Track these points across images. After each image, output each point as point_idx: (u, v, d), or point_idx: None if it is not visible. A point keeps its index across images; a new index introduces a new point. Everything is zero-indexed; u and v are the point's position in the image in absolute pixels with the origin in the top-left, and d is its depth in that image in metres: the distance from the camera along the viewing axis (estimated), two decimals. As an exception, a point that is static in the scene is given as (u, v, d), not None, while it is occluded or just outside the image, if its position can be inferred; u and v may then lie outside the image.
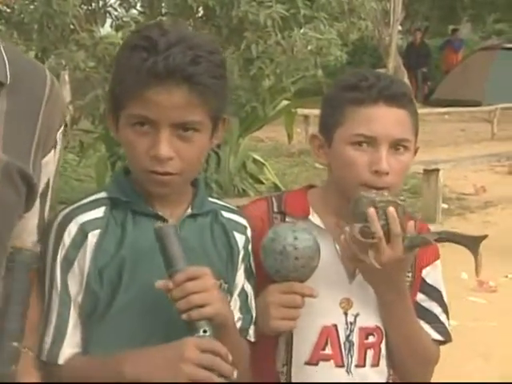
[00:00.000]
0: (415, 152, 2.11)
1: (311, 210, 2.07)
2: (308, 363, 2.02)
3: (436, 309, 2.12)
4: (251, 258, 1.99)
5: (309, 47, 8.12)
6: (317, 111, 9.57)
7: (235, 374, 1.71)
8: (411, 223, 1.92)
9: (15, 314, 1.55)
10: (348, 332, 2.03)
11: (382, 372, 2.08)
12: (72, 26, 8.07)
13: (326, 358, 2.03)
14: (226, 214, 1.97)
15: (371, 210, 1.85)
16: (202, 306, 1.69)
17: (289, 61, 7.91)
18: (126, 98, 1.77)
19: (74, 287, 1.80)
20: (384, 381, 2.09)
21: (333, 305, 2.03)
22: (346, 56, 8.97)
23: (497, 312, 6.31)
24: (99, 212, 1.83)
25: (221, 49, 1.94)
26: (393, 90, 2.00)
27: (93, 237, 1.80)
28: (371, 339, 2.06)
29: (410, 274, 2.06)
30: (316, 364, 2.02)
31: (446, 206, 10.24)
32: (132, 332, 1.81)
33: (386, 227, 1.85)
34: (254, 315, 1.97)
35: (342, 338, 2.03)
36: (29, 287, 1.62)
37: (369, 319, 2.05)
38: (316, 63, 8.29)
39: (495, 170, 13.34)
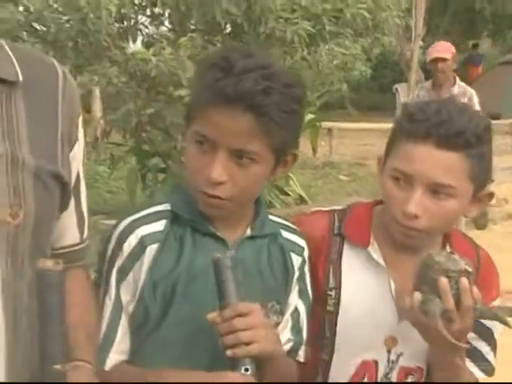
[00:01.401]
0: (490, 197, 1.97)
1: (372, 238, 1.97)
2: None
3: (484, 348, 2.00)
4: (307, 278, 1.93)
5: (334, 62, 8.22)
6: (340, 124, 9.80)
7: None
8: (477, 293, 1.75)
9: (54, 335, 1.49)
10: (388, 370, 1.97)
11: None
12: (105, 44, 8.17)
13: None
14: (285, 234, 1.91)
15: (444, 282, 1.72)
16: (247, 344, 1.64)
17: (314, 75, 8.01)
18: (194, 113, 1.74)
19: (126, 296, 1.78)
20: None
21: (377, 341, 1.96)
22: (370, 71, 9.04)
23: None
24: (160, 225, 1.80)
25: (303, 83, 1.84)
26: (446, 130, 1.79)
27: (151, 250, 1.77)
28: (410, 378, 2.00)
29: None
30: None
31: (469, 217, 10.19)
32: (180, 350, 1.77)
33: (456, 296, 1.72)
34: (305, 336, 1.92)
35: (381, 375, 1.97)
36: (62, 306, 1.54)
37: (412, 360, 1.97)
38: (341, 78, 8.40)
39: (516, 182, 13.24)
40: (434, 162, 1.80)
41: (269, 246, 1.87)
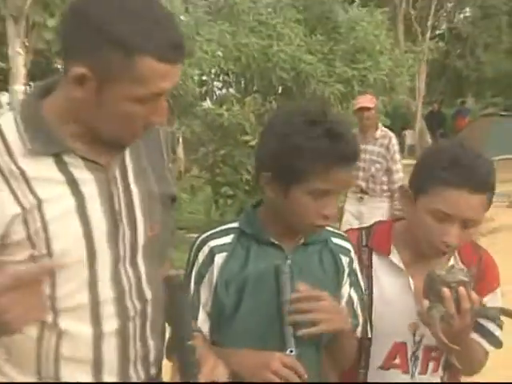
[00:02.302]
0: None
1: (392, 247, 1.93)
2: (381, 368, 1.94)
3: (491, 326, 1.93)
4: (357, 273, 1.87)
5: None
6: None
7: None
8: (476, 297, 1.73)
9: (186, 321, 1.52)
10: (415, 349, 1.93)
11: (438, 374, 1.98)
12: (189, 103, 8.30)
13: (395, 366, 1.94)
14: (334, 240, 1.84)
15: (447, 292, 1.69)
16: (315, 324, 1.65)
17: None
18: (307, 173, 1.63)
19: (204, 294, 1.76)
20: (439, 380, 1.98)
21: (403, 327, 1.91)
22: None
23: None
24: (228, 238, 1.77)
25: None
26: (478, 179, 1.76)
27: (219, 258, 1.74)
28: (434, 354, 1.95)
29: None
30: (387, 369, 1.94)
31: (462, 231, 10.09)
32: (250, 336, 1.74)
33: (456, 302, 1.70)
34: (361, 318, 1.87)
35: (410, 353, 1.93)
36: (187, 298, 1.60)
37: (433, 340, 1.86)
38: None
39: (497, 205, 13.02)
40: (469, 204, 1.76)
41: (320, 251, 1.81)
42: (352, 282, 1.85)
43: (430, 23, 20.66)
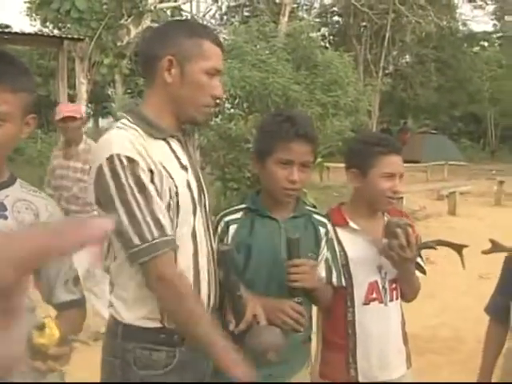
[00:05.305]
0: None
1: (348, 219, 1.94)
2: (364, 304, 1.92)
3: (418, 259, 1.99)
4: (334, 240, 1.89)
5: (333, 130, 8.10)
6: (334, 164, 9.37)
7: (302, 330, 1.69)
8: (417, 235, 1.84)
9: (235, 280, 1.61)
10: (383, 283, 1.94)
11: (398, 301, 2.00)
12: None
13: (374, 300, 1.93)
14: (315, 216, 1.85)
15: (399, 231, 1.78)
16: (301, 281, 1.67)
17: (323, 138, 7.82)
18: (274, 147, 1.70)
19: None
20: (399, 301, 1.98)
21: (373, 269, 1.93)
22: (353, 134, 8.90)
23: (436, 274, 6.21)
24: (238, 215, 1.78)
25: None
26: (397, 146, 1.90)
27: (232, 229, 1.75)
28: (394, 285, 1.96)
29: None
30: (368, 304, 1.92)
31: (404, 217, 10.01)
32: (262, 287, 1.73)
33: (406, 238, 1.78)
34: (335, 272, 1.87)
35: (381, 287, 1.93)
36: (234, 264, 1.68)
37: (392, 275, 1.94)
38: (337, 139, 8.27)
39: (429, 198, 13.10)
40: (400, 162, 1.90)
41: (305, 223, 1.80)
42: (328, 246, 1.86)
43: (381, 65, 21.47)
